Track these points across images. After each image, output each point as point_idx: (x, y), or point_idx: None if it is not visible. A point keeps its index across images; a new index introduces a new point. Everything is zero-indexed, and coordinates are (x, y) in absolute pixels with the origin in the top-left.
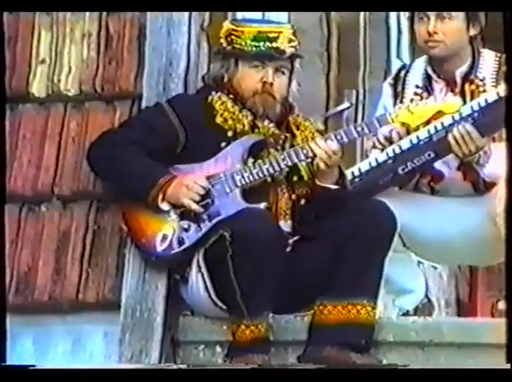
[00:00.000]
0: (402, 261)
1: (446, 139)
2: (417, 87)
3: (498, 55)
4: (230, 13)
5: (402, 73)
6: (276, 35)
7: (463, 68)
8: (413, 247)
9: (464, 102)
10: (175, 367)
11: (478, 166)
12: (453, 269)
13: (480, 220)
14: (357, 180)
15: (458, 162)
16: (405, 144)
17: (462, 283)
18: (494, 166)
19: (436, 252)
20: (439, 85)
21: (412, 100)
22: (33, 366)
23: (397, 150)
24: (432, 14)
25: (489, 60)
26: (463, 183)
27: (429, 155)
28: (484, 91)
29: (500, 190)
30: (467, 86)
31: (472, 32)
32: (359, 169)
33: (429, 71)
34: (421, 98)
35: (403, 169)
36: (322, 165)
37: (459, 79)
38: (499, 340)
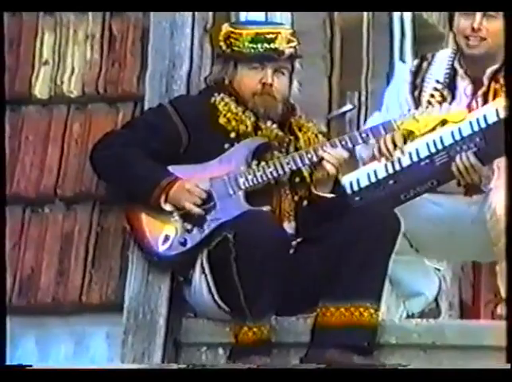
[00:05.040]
0: (412, 263)
1: (449, 168)
2: (438, 82)
3: None
4: (233, 15)
5: (424, 65)
6: (274, 36)
7: (495, 67)
8: (417, 246)
9: (486, 101)
10: (176, 367)
11: (481, 187)
12: (457, 271)
13: (474, 220)
14: (357, 198)
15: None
16: (406, 160)
17: (465, 286)
18: (497, 185)
19: (436, 250)
20: (464, 82)
21: (432, 95)
22: (31, 366)
23: (397, 167)
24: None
25: None
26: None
27: (432, 183)
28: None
29: (494, 201)
30: (492, 84)
31: None
32: (358, 183)
33: (456, 65)
34: (441, 95)
35: (405, 196)
36: (331, 169)
37: (487, 78)
38: (502, 343)
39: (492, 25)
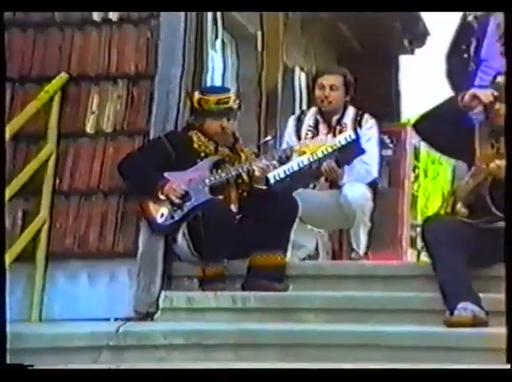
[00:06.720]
0: (300, 229)
1: (320, 169)
2: (309, 126)
3: (356, 110)
4: (203, 82)
5: (302, 116)
6: (228, 99)
7: (337, 117)
8: (306, 219)
9: (334, 136)
10: (168, 367)
11: (338, 181)
12: (330, 233)
13: (336, 204)
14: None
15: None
16: (295, 166)
17: (335, 241)
18: (346, 181)
19: (317, 222)
20: (323, 125)
21: (306, 134)
22: (32, 366)
23: (291, 170)
24: (327, 85)
25: (351, 113)
26: (326, 184)
27: (311, 179)
28: (345, 130)
29: (345, 191)
30: (337, 127)
31: (347, 98)
32: (267, 181)
33: (318, 117)
34: (312, 133)
35: (296, 187)
36: (259, 174)
37: (334, 123)
38: (358, 272)
39: (336, 93)
